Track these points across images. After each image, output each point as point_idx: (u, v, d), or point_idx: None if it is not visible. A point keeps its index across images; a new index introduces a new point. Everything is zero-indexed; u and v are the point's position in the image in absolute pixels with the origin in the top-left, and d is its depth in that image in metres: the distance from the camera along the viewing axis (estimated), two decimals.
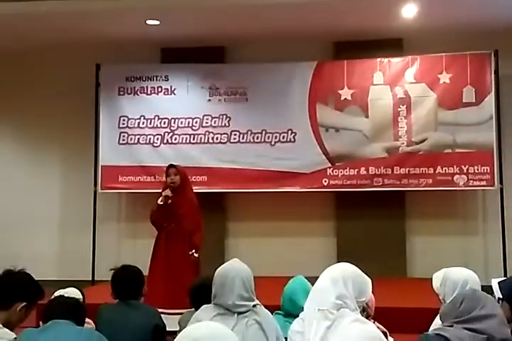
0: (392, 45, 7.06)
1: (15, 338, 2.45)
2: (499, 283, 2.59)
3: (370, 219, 6.85)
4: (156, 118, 7.16)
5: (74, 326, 2.53)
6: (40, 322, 2.66)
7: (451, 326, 2.13)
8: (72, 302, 2.75)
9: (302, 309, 3.02)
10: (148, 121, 7.16)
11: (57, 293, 2.94)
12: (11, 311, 2.61)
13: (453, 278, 2.75)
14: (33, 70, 7.68)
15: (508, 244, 6.48)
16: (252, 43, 7.19)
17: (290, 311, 3.10)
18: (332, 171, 6.83)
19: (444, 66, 6.71)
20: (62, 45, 7.39)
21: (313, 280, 2.59)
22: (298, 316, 2.84)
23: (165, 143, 7.11)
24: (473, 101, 6.62)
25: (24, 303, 2.64)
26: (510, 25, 6.64)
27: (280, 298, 3.21)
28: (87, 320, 2.93)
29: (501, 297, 2.48)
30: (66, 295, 2.92)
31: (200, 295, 3.13)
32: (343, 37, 7.06)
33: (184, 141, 7.09)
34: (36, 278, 2.78)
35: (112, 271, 3.30)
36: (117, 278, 3.25)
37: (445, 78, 6.69)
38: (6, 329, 2.53)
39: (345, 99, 6.88)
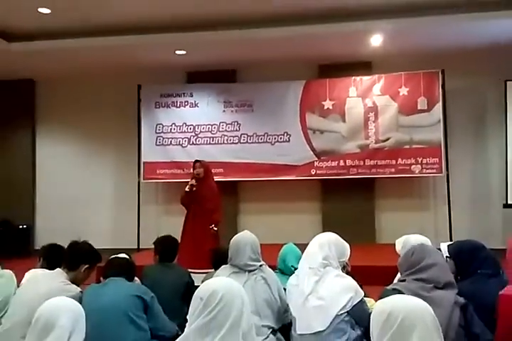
0: (363, 66, 7.02)
1: (81, 291, 2.47)
2: (448, 245, 2.59)
3: (348, 199, 6.85)
4: (184, 125, 7.15)
5: (126, 282, 2.54)
6: (101, 278, 2.67)
7: (404, 280, 2.12)
8: (125, 262, 2.76)
9: (292, 267, 3.04)
10: (178, 127, 7.16)
11: (111, 257, 2.95)
12: (77, 272, 2.63)
13: (411, 242, 2.74)
14: (92, 90, 7.72)
15: (452, 217, 6.47)
16: (256, 67, 7.17)
17: (283, 269, 3.12)
18: (318, 163, 6.81)
19: (403, 82, 6.66)
20: (113, 71, 7.42)
21: (303, 245, 2.61)
22: (289, 273, 2.85)
23: (191, 144, 7.11)
24: (426, 108, 6.59)
25: (87, 265, 2.65)
26: (453, 50, 6.60)
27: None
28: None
29: (448, 255, 2.48)
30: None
31: (217, 258, 3.18)
32: (325, 61, 7.02)
33: (205, 142, 7.08)
34: (96, 247, 2.80)
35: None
36: (159, 245, 3.27)
37: (404, 91, 6.65)
38: (74, 285, 2.55)
39: (327, 108, 6.85)
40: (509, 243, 2.44)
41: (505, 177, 6.47)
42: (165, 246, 3.24)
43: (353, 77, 6.81)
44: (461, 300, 1.98)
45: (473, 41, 6.35)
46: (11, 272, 2.86)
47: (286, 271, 3.09)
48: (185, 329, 1.47)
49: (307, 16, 5.75)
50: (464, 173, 6.87)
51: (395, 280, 2.58)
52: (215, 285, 1.48)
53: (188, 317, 1.48)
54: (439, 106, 6.53)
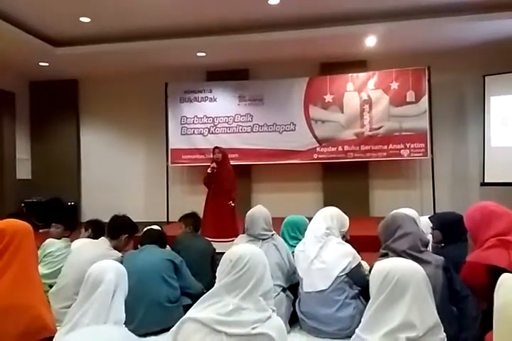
0: (359, 64, 6.87)
1: (122, 256, 2.51)
2: (430, 218, 2.56)
3: (345, 179, 6.80)
4: (204, 117, 7.11)
5: (159, 248, 2.58)
6: (139, 245, 2.71)
7: (387, 254, 2.01)
8: (158, 232, 2.80)
9: (295, 234, 2.99)
10: (200, 119, 7.12)
11: (146, 229, 2.99)
12: (118, 240, 2.68)
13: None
14: (126, 87, 7.68)
15: (436, 194, 6.41)
16: (266, 66, 7.06)
17: (291, 235, 3.09)
18: (320, 149, 6.74)
19: (393, 77, 6.53)
20: (143, 71, 7.37)
21: (307, 218, 2.60)
22: (295, 239, 2.84)
23: (211, 133, 7.07)
24: (414, 100, 6.45)
25: (126, 235, 2.70)
26: (438, 49, 6.45)
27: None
28: None
29: (434, 227, 2.45)
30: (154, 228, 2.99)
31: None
32: (326, 60, 6.90)
33: (223, 132, 7.04)
34: (133, 219, 2.84)
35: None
36: (191, 219, 3.32)
37: (394, 85, 6.52)
38: (116, 251, 2.60)
39: (328, 101, 6.75)
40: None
41: (483, 159, 6.37)
42: (196, 220, 3.30)
43: (350, 74, 6.68)
44: (440, 262, 1.91)
45: (455, 41, 6.20)
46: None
47: (296, 237, 3.06)
48: (215, 285, 1.48)
49: (310, 21, 5.64)
50: (446, 156, 6.79)
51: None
52: (243, 251, 1.50)
53: (217, 274, 1.50)
54: (425, 98, 6.40)
